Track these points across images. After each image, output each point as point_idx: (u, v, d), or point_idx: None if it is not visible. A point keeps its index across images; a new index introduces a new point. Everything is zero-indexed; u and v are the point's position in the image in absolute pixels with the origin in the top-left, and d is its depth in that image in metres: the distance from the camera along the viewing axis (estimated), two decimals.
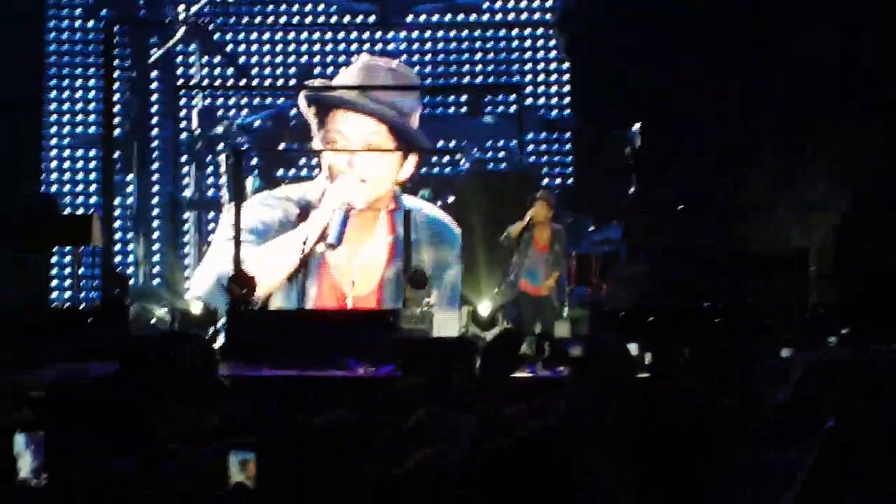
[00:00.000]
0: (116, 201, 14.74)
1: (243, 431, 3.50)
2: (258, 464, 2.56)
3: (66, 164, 14.89)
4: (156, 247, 14.79)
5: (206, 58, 15.00)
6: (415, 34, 15.12)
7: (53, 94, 14.94)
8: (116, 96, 14.80)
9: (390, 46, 15.01)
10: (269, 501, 2.67)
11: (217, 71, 15.15)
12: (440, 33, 15.15)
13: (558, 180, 15.00)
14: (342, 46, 15.12)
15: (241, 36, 15.00)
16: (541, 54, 15.14)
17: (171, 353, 3.50)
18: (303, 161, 14.93)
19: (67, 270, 14.33)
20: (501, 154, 14.93)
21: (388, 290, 14.02)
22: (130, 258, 14.74)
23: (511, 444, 2.73)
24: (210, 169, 14.96)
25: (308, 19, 15.16)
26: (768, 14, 13.59)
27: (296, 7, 15.12)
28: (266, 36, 15.12)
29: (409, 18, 15.08)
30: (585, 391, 2.75)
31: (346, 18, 15.08)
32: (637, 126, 14.47)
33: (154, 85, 15.03)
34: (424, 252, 13.98)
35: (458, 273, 13.69)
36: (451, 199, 14.57)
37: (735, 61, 13.65)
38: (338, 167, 13.96)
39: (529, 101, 14.96)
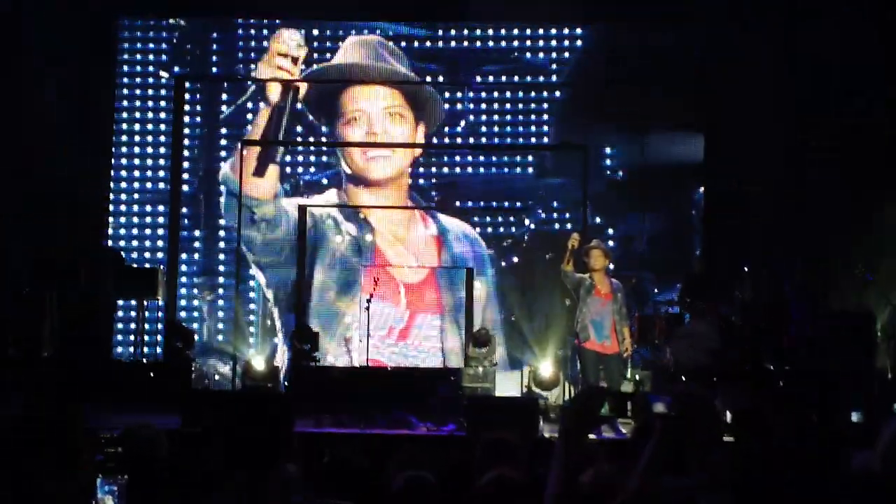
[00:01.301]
0: (183, 256, 14.83)
1: (326, 487, 3.48)
2: None
3: (134, 220, 15.01)
4: (221, 303, 14.84)
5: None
6: (483, 94, 15.17)
7: (124, 149, 15.09)
8: (185, 153, 14.98)
9: (458, 106, 15.10)
10: None
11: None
12: (508, 93, 15.17)
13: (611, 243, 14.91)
14: None
15: (312, 94, 15.12)
16: None
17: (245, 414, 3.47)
18: None
19: (131, 325, 14.39)
20: (567, 214, 14.84)
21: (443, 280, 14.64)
22: (195, 314, 14.79)
23: None
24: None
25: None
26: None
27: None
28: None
29: (478, 78, 15.14)
30: (674, 448, 2.70)
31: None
32: (701, 189, 14.44)
33: (223, 142, 15.14)
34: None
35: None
36: (514, 259, 14.64)
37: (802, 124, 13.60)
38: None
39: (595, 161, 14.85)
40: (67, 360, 12.13)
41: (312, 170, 15.18)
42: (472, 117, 15.10)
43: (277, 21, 15.18)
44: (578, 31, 15.15)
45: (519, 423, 9.38)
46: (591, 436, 8.58)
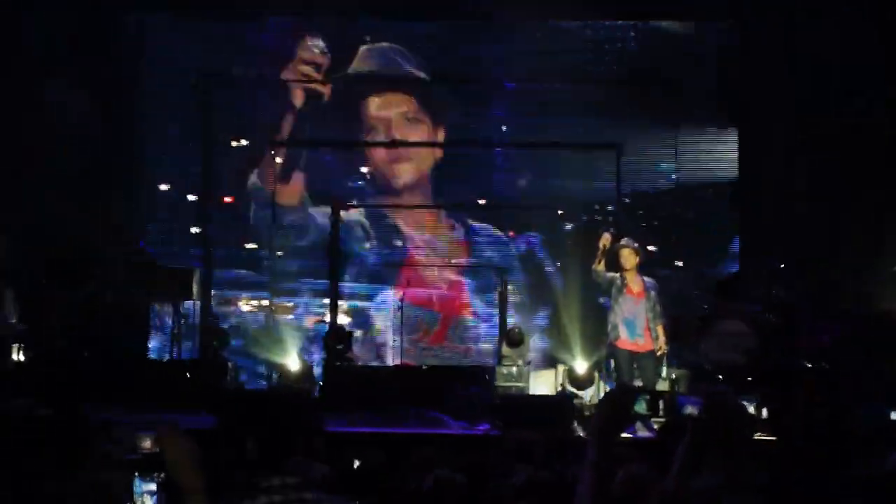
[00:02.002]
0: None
1: (354, 487, 3.48)
2: None
3: (168, 220, 15.08)
4: (254, 303, 14.89)
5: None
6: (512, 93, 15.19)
7: (153, 151, 15.15)
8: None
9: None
10: None
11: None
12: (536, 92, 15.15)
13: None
14: None
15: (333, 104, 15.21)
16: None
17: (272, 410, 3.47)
18: None
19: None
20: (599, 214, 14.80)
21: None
22: (230, 316, 14.85)
23: None
24: None
25: None
26: None
27: None
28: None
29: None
30: (703, 449, 2.67)
31: None
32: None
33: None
34: None
35: None
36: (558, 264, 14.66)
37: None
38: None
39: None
40: (94, 359, 12.23)
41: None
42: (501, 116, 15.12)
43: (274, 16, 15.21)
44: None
45: (553, 422, 9.38)
46: (625, 434, 8.56)
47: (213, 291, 14.73)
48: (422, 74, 15.14)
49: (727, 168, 14.63)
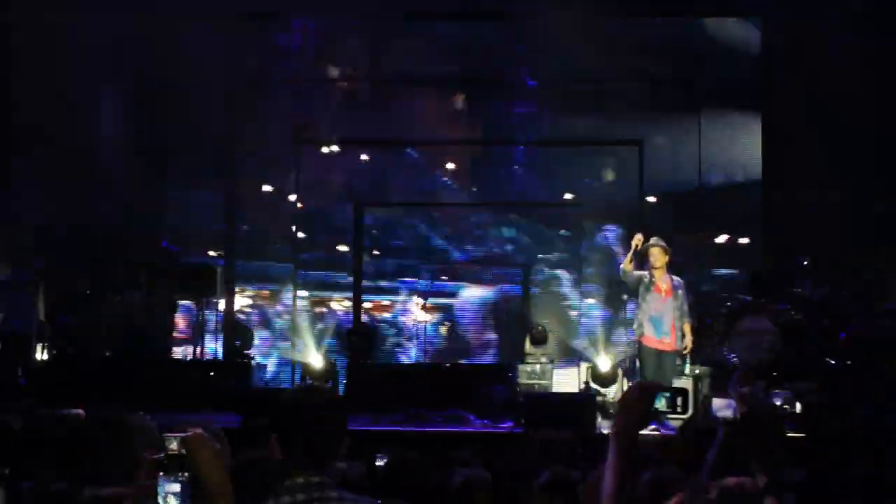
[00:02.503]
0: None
1: (385, 485, 3.47)
2: None
3: (191, 219, 15.12)
4: (277, 307, 14.93)
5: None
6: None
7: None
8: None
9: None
10: None
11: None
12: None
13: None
14: None
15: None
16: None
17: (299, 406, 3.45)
18: None
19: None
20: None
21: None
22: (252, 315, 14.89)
23: None
24: None
25: None
26: None
27: None
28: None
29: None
30: (736, 451, 2.64)
31: None
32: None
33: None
34: None
35: None
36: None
37: None
38: None
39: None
40: (123, 359, 12.29)
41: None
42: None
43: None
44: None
45: (576, 420, 9.33)
46: (651, 431, 8.49)
47: (304, 294, 14.72)
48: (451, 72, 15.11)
49: (752, 162, 14.56)
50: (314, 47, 15.41)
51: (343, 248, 15.06)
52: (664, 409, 3.11)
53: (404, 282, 14.95)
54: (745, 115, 14.54)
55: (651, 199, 14.64)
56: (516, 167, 15.31)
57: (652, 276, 10.91)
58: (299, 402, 3.41)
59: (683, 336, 10.86)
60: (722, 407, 10.18)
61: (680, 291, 10.94)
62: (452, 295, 15.00)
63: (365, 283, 14.79)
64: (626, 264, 11.02)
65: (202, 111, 14.70)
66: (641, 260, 11.14)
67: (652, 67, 14.79)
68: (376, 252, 15.12)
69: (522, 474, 4.23)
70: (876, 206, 13.13)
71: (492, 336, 14.94)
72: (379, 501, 2.52)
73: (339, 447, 3.37)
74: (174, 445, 3.50)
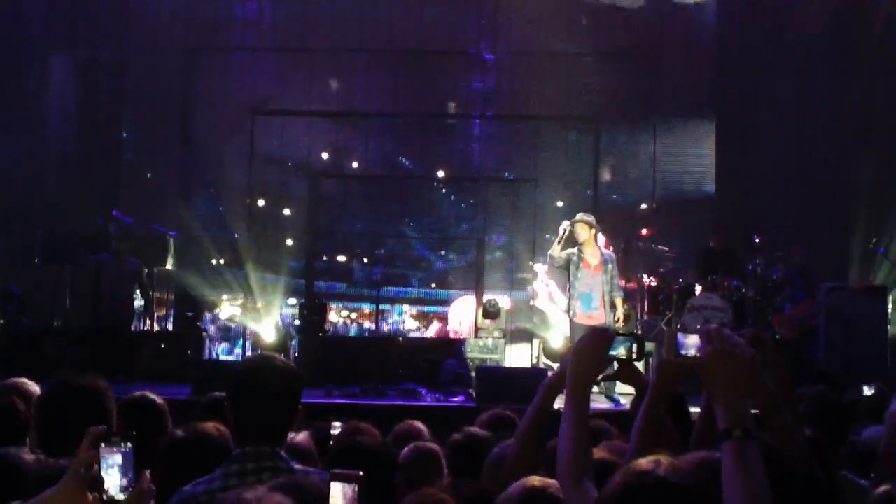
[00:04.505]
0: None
1: (336, 457, 3.47)
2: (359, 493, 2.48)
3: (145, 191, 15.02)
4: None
5: None
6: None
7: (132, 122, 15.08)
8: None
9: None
10: None
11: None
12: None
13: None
14: None
15: None
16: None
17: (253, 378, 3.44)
18: None
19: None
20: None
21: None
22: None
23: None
24: None
25: None
26: None
27: None
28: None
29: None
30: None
31: None
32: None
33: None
34: None
35: None
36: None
37: None
38: None
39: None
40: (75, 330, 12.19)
41: None
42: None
43: None
44: None
45: (528, 394, 9.37)
46: (602, 407, 8.49)
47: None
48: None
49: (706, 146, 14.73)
50: (271, 18, 15.27)
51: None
52: (623, 356, 3.04)
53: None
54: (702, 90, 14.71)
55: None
56: (475, 143, 15.31)
57: (581, 252, 10.80)
58: (252, 374, 3.40)
59: (615, 309, 10.80)
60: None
61: (610, 265, 10.79)
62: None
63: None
64: (554, 250, 10.85)
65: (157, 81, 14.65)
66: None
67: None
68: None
69: (476, 448, 4.24)
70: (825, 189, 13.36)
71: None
72: (329, 472, 2.51)
73: (292, 419, 3.37)
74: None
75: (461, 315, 14.14)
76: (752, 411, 2.46)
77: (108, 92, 14.62)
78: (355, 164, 15.42)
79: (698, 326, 3.05)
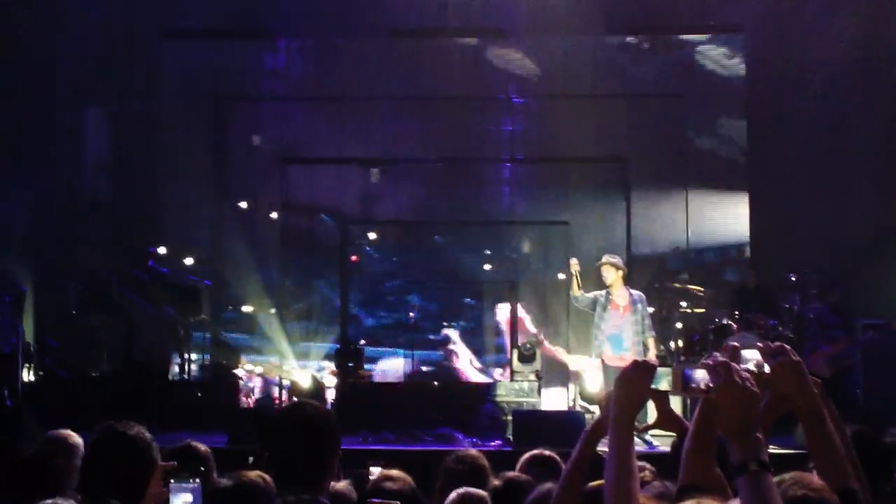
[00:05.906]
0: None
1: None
2: None
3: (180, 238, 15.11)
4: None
5: None
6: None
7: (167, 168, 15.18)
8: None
9: None
10: None
11: None
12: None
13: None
14: None
15: None
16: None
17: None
18: None
19: None
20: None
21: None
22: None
23: None
24: None
25: None
26: None
27: None
28: None
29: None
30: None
31: None
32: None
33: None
34: None
35: None
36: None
37: None
38: None
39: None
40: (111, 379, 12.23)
41: None
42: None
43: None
44: None
45: (565, 437, 9.30)
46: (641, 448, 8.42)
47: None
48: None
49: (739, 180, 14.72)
50: (300, 67, 15.42)
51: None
52: (665, 388, 2.98)
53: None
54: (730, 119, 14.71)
55: None
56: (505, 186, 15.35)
57: (609, 293, 10.77)
58: (287, 422, 3.39)
59: (646, 350, 10.73)
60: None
61: (639, 305, 10.76)
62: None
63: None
64: (575, 291, 10.84)
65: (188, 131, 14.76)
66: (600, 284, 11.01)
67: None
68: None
69: (515, 491, 4.22)
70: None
71: None
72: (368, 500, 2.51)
73: (331, 465, 3.36)
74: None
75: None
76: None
77: (140, 142, 14.74)
78: (385, 210, 15.43)
79: (758, 344, 3.02)
